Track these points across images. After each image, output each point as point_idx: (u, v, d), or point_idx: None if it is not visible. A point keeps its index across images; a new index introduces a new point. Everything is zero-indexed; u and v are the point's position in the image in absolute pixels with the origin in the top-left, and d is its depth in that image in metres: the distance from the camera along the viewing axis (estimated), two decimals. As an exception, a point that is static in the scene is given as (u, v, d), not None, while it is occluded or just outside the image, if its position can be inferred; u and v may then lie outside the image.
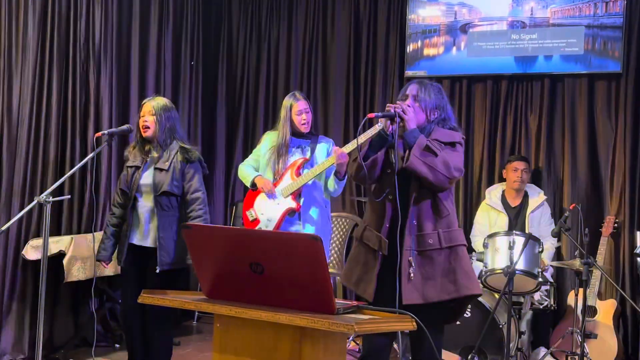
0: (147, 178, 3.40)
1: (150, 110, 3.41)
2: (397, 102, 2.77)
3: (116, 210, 3.50)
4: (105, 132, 3.34)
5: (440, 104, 2.81)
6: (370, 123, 2.79)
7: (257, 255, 1.97)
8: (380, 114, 2.70)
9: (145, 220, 3.40)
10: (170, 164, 3.36)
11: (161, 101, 3.46)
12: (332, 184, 3.72)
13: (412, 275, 2.65)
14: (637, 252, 4.38)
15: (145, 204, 3.41)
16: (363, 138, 2.84)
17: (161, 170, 3.36)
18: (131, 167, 3.45)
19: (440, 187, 2.68)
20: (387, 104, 2.73)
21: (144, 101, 3.50)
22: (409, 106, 2.73)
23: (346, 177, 3.63)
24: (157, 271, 3.30)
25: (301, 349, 1.92)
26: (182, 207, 3.42)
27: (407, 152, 2.67)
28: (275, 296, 1.99)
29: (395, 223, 2.68)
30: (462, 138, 2.80)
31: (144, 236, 3.41)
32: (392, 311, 2.09)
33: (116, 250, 3.50)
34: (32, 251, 3.92)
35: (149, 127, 3.39)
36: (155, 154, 3.43)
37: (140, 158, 3.45)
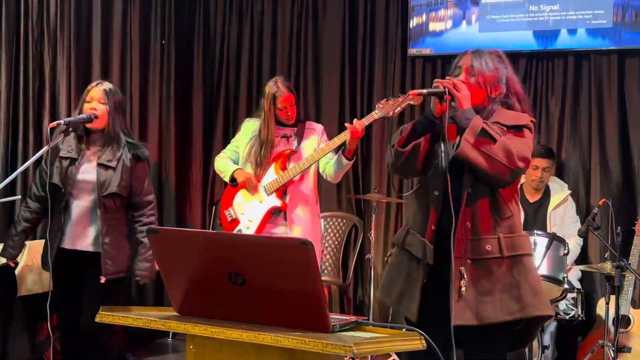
0: (87, 174, 3.37)
1: (102, 97, 3.37)
2: (447, 77, 2.56)
3: (32, 204, 3.47)
4: (62, 121, 3.30)
5: (502, 77, 2.62)
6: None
7: (237, 264, 1.92)
8: (425, 90, 2.53)
9: (81, 221, 3.37)
10: (119, 161, 3.35)
11: (112, 87, 3.45)
12: (331, 167, 3.65)
13: (463, 289, 2.49)
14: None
15: (80, 202, 3.37)
16: (390, 109, 2.67)
17: (107, 167, 3.35)
18: (65, 158, 3.40)
19: (500, 181, 2.50)
20: (435, 80, 2.54)
21: (91, 85, 3.46)
22: (463, 82, 2.52)
23: (354, 158, 3.58)
24: (102, 281, 3.29)
25: (290, 374, 1.88)
26: (127, 208, 3.43)
27: (459, 137, 2.48)
28: (258, 312, 1.94)
29: (444, 226, 2.52)
30: (530, 121, 2.59)
31: (78, 239, 3.38)
32: (398, 327, 2.01)
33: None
34: (-22, 260, 3.85)
35: (97, 117, 3.35)
36: (97, 147, 3.40)
37: (77, 149, 3.40)
